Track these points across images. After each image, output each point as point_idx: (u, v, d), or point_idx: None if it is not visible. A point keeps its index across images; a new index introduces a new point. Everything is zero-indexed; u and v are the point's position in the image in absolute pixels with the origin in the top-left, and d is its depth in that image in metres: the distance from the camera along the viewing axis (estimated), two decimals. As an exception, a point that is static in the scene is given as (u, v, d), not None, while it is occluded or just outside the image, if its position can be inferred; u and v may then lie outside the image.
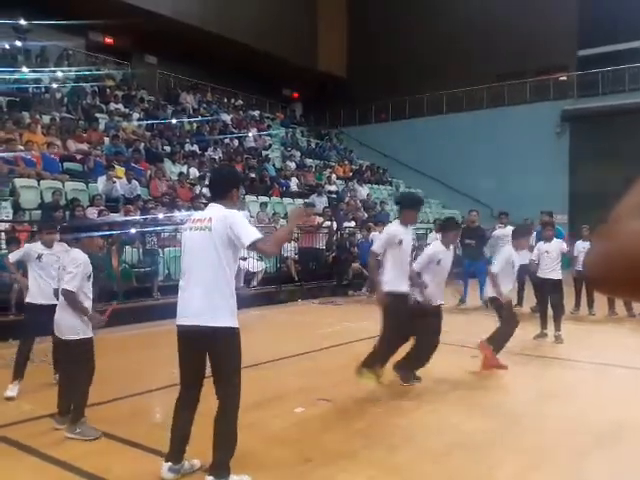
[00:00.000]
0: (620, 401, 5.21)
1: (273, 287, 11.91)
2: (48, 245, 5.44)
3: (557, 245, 8.58)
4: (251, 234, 3.29)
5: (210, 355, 3.42)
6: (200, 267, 3.37)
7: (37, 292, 5.27)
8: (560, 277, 8.33)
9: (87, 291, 4.41)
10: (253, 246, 3.32)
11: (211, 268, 3.34)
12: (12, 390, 5.14)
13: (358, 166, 23.26)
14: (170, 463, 3.51)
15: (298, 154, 21.10)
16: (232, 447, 3.43)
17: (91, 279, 4.44)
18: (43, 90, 15.44)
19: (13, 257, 5.62)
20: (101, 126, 15.20)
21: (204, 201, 13.15)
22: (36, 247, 5.46)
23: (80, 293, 4.31)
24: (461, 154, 22.10)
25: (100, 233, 4.66)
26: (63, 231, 5.72)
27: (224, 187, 3.59)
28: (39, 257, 5.32)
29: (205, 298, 3.32)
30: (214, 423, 3.39)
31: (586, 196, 18.11)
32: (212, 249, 3.33)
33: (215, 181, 3.80)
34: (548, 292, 8.30)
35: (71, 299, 4.27)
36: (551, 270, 8.31)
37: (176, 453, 3.54)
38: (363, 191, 19.22)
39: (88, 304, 4.40)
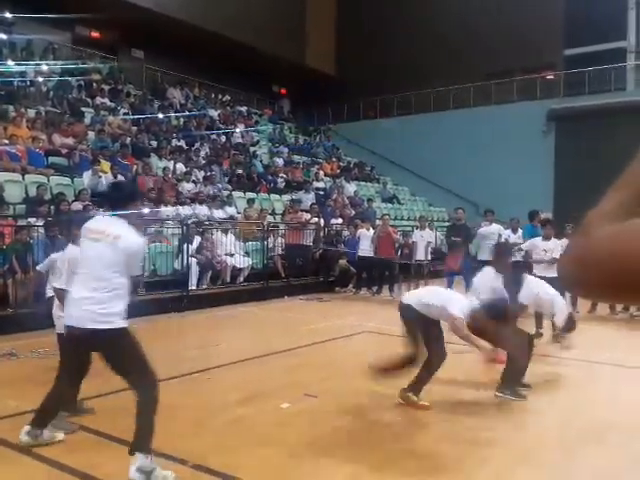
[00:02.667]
0: (606, 398, 5.27)
1: (260, 283, 11.90)
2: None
3: (554, 244, 8.56)
4: (139, 269, 3.88)
5: (106, 357, 3.63)
6: (89, 278, 3.63)
7: None
8: (556, 275, 8.26)
9: None
10: (134, 279, 3.81)
11: (100, 281, 3.60)
12: None
13: (346, 163, 23.28)
14: (29, 426, 3.84)
15: (286, 150, 21.08)
16: (150, 434, 3.55)
17: None
18: (28, 84, 15.28)
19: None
20: (87, 120, 15.08)
21: (189, 197, 13.16)
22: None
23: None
24: (448, 152, 22.19)
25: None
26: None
27: (122, 201, 3.83)
28: None
29: (90, 306, 3.56)
30: (136, 416, 3.57)
31: (571, 195, 18.26)
32: (113, 264, 3.60)
33: (113, 195, 4.11)
34: None
35: (59, 296, 4.40)
36: (546, 268, 8.24)
37: (39, 419, 3.87)
38: (350, 188, 19.23)
39: None
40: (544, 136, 21.30)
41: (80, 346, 3.72)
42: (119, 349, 3.60)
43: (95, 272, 3.62)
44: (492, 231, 11.52)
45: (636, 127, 17.21)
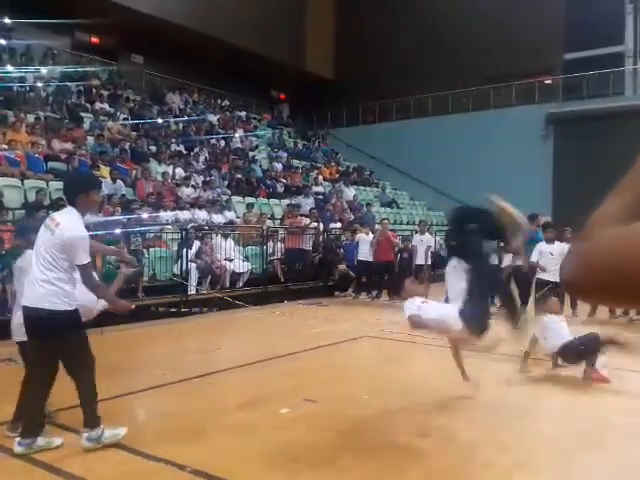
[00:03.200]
0: (603, 402, 5.27)
1: (259, 288, 11.88)
2: None
3: (559, 247, 8.58)
4: (83, 258, 3.87)
5: (54, 338, 3.89)
6: (39, 261, 3.89)
7: None
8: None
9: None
10: (81, 268, 3.89)
11: (46, 264, 3.86)
12: None
13: (345, 168, 23.30)
14: (19, 437, 3.91)
15: (285, 155, 21.10)
16: (93, 405, 3.96)
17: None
18: (28, 89, 15.29)
19: None
20: (86, 125, 15.09)
21: (189, 201, 13.17)
22: None
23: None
24: (447, 156, 22.20)
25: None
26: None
27: (70, 193, 4.03)
28: None
29: (39, 288, 3.83)
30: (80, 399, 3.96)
31: (569, 198, 18.28)
32: (49, 249, 3.85)
33: (64, 187, 4.38)
34: (547, 294, 8.29)
35: None
36: (552, 272, 8.27)
37: (25, 429, 3.94)
38: (349, 192, 19.24)
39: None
40: (543, 140, 21.33)
41: (32, 327, 3.92)
42: (63, 330, 3.82)
43: (41, 255, 3.87)
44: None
45: (635, 131, 17.27)
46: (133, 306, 4.12)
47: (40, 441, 3.92)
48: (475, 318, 4.62)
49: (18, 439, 3.90)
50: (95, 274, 4.25)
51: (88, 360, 3.98)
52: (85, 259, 3.92)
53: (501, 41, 22.81)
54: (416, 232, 13.91)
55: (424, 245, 12.66)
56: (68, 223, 3.88)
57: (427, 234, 13.25)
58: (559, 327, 6.13)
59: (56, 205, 9.93)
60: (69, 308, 3.88)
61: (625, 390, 5.69)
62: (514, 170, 20.36)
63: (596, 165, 17.88)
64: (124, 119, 16.72)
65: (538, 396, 5.44)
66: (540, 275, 8.40)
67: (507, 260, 10.55)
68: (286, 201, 16.45)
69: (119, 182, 12.28)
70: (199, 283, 10.92)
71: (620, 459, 3.97)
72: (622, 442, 4.25)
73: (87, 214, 4.10)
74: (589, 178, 17.08)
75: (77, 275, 4.20)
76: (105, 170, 12.52)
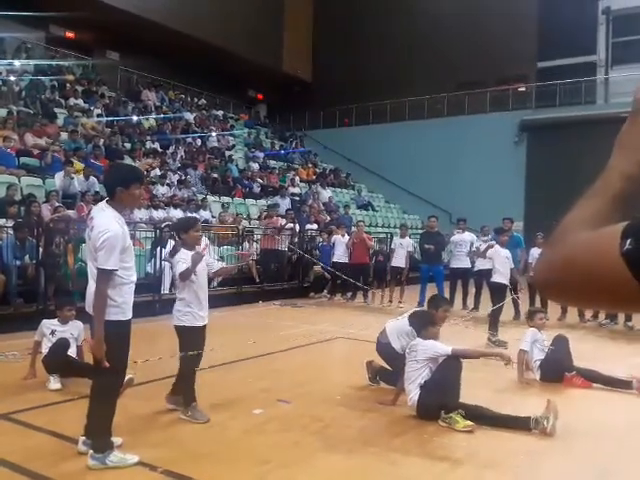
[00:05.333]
0: (572, 404, 5.36)
1: (233, 288, 11.82)
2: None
3: (508, 252, 8.90)
4: (104, 261, 3.52)
5: None
6: (90, 263, 3.70)
7: None
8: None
9: None
10: (99, 272, 3.54)
11: (92, 266, 3.63)
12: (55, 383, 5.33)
13: (321, 169, 23.35)
14: (84, 437, 3.79)
15: (262, 155, 21.06)
16: (101, 427, 3.67)
17: None
18: (0, 83, 15.01)
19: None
20: (60, 121, 14.86)
21: (163, 200, 13.06)
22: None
23: None
24: (422, 161, 22.42)
25: None
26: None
27: (109, 186, 3.82)
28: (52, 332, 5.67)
29: (91, 291, 3.65)
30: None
31: (541, 204, 18.59)
32: (91, 250, 3.65)
33: (104, 180, 4.14)
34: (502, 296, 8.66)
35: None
36: (505, 275, 8.62)
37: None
38: (326, 194, 19.29)
39: None
40: (516, 146, 21.68)
41: None
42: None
43: (90, 258, 3.68)
44: (464, 239, 11.70)
45: (605, 139, 17.53)
46: (107, 365, 3.56)
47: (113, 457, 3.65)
48: None
49: (83, 438, 3.76)
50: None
51: (108, 383, 3.72)
52: (107, 263, 3.50)
53: (476, 49, 23.13)
54: (395, 235, 13.99)
55: (404, 249, 12.67)
56: (99, 220, 3.60)
57: (407, 238, 13.26)
58: (542, 341, 6.32)
59: (27, 201, 9.78)
60: (112, 318, 3.58)
61: (590, 395, 5.81)
62: (487, 175, 20.67)
63: (567, 171, 18.22)
64: (98, 115, 16.51)
65: (505, 401, 5.50)
66: (495, 279, 8.68)
67: (480, 264, 10.71)
68: (262, 201, 16.41)
69: (92, 179, 12.09)
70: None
71: (587, 459, 4.05)
72: (589, 447, 4.34)
73: (127, 209, 3.86)
74: (560, 184, 17.40)
75: (129, 278, 3.77)
76: (79, 166, 12.35)
